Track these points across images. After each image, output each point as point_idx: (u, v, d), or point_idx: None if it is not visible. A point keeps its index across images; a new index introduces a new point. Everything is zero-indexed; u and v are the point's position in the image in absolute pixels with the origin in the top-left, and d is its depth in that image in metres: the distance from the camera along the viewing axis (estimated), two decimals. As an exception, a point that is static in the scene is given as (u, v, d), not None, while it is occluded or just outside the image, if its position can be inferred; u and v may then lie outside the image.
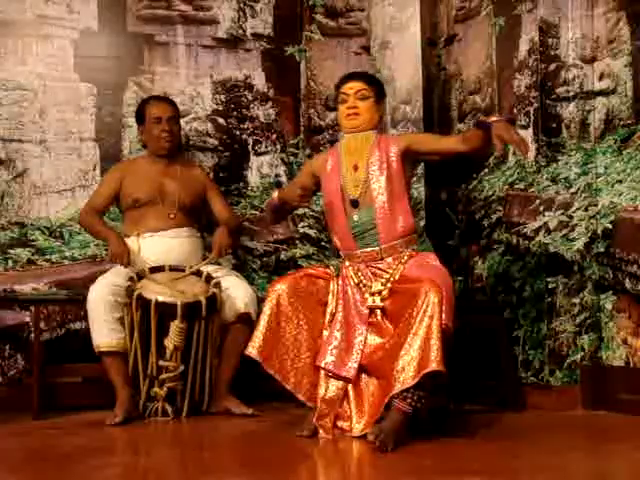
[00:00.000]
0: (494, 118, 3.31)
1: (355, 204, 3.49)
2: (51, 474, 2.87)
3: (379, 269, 3.43)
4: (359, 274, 3.43)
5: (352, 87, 3.55)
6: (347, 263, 3.50)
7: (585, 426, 3.54)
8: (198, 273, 3.90)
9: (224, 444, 3.40)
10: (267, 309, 3.38)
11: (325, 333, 3.38)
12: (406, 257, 3.43)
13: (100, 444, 3.35)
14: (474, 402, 3.93)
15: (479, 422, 3.53)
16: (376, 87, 3.60)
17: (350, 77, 3.62)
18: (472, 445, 3.15)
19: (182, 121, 4.32)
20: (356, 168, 3.52)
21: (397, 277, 3.36)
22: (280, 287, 3.40)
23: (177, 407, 3.79)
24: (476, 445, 3.15)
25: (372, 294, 3.35)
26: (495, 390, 3.95)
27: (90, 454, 3.11)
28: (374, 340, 3.32)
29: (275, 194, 3.63)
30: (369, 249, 3.46)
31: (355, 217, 3.48)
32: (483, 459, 2.94)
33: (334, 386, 3.32)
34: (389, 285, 3.34)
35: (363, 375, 3.33)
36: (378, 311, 3.34)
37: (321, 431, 3.29)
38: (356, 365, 3.30)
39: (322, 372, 3.34)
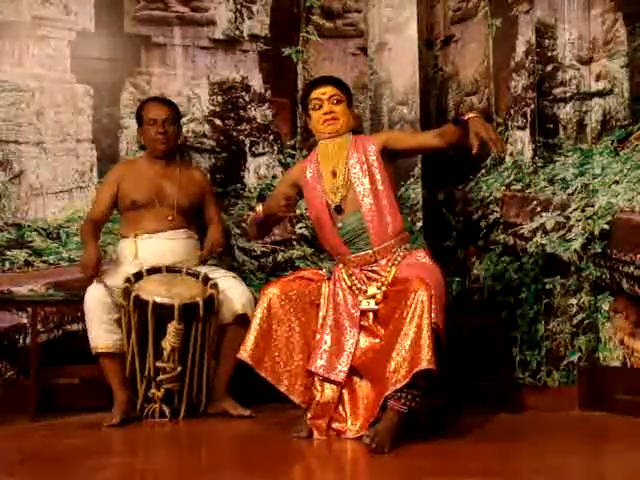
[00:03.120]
0: (471, 114, 3.26)
1: (339, 210, 3.47)
2: (49, 476, 2.86)
3: (373, 272, 3.42)
4: (352, 277, 3.42)
5: (325, 92, 3.52)
6: (340, 266, 3.49)
7: (582, 427, 3.54)
8: (195, 274, 3.90)
9: (222, 445, 3.40)
10: (258, 312, 3.38)
11: (317, 337, 3.38)
12: (399, 258, 3.41)
13: (98, 445, 3.35)
14: (471, 403, 3.93)
15: (477, 423, 3.53)
16: (346, 91, 3.58)
17: (320, 82, 3.59)
18: (470, 446, 3.14)
19: (179, 122, 4.33)
20: (334, 174, 3.50)
21: (390, 279, 3.34)
22: (271, 290, 3.39)
23: (175, 408, 3.79)
24: (474, 446, 3.14)
25: (367, 297, 3.33)
26: (492, 391, 3.95)
27: (88, 455, 3.11)
28: (366, 343, 3.30)
29: (259, 208, 3.58)
30: (362, 253, 3.45)
31: (340, 224, 3.47)
32: (481, 460, 2.94)
33: (329, 389, 3.32)
34: (383, 289, 3.33)
35: (357, 378, 3.32)
36: (370, 314, 3.32)
37: (315, 432, 3.29)
38: (346, 369, 3.29)
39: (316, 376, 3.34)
